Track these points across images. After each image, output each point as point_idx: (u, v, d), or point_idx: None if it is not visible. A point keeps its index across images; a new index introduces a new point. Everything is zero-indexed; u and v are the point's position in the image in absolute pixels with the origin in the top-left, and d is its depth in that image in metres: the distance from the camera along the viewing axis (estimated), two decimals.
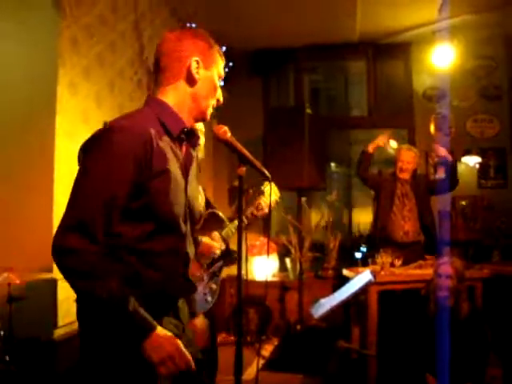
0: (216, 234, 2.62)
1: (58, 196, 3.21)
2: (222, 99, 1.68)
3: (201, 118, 1.67)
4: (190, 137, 1.67)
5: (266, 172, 1.72)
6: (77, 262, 1.40)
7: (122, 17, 3.93)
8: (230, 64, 4.52)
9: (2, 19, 3.32)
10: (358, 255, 4.16)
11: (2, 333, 2.39)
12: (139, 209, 1.47)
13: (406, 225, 4.37)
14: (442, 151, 4.36)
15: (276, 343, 5.00)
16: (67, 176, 3.28)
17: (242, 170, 1.76)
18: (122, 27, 3.92)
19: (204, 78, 1.61)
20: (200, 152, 1.77)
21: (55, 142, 3.19)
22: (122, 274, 1.44)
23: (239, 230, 1.73)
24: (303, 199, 5.36)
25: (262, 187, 2.70)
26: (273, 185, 2.32)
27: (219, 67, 1.67)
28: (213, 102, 1.66)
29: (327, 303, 2.77)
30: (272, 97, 6.30)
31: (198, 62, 1.59)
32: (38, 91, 3.24)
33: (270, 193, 2.26)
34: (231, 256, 2.66)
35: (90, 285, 1.39)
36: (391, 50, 5.98)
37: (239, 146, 1.72)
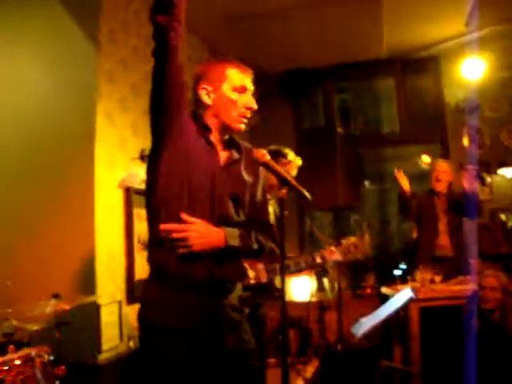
0: (260, 265, 2.69)
1: (99, 223, 3.31)
2: (253, 105, 1.86)
3: (228, 128, 1.89)
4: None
5: (306, 193, 1.75)
6: None
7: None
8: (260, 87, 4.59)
9: (41, 55, 3.50)
10: (398, 272, 4.10)
11: (52, 358, 2.45)
12: None
13: (442, 239, 4.32)
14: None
15: (316, 364, 4.94)
16: (107, 203, 3.39)
17: (283, 192, 1.81)
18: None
19: (217, 98, 1.85)
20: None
21: (95, 171, 3.31)
22: None
23: (282, 254, 1.77)
24: (353, 219, 5.35)
25: (344, 240, 2.94)
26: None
27: (231, 81, 1.85)
28: (239, 112, 1.85)
29: (368, 322, 2.74)
30: (303, 118, 6.35)
31: (205, 89, 1.86)
32: (77, 123, 3.39)
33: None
34: (271, 292, 2.68)
35: None
36: (420, 65, 5.96)
37: (278, 168, 1.78)
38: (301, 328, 5.11)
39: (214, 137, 1.89)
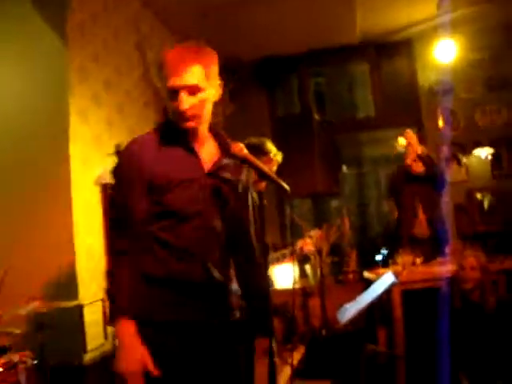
0: None
1: (78, 221, 3.26)
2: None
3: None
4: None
5: (285, 185, 1.72)
6: None
7: (124, 40, 3.99)
8: (235, 75, 4.53)
9: (10, 54, 3.40)
10: (379, 257, 4.15)
11: (35, 362, 2.41)
12: None
13: (419, 216, 4.39)
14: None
15: (303, 350, 4.97)
16: (84, 200, 3.33)
17: (262, 185, 1.78)
18: (126, 50, 3.98)
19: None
20: None
21: (71, 170, 3.25)
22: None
23: (263, 248, 1.75)
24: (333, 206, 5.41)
25: (312, 232, 2.93)
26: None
27: (166, 84, 1.72)
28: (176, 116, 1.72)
29: (353, 307, 2.77)
30: (278, 105, 6.33)
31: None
32: (49, 121, 3.32)
33: None
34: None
35: None
36: (393, 49, 5.99)
37: (256, 161, 1.74)
38: (285, 315, 5.13)
39: (192, 138, 1.79)
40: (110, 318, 1.67)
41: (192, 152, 1.78)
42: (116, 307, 1.66)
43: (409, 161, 4.39)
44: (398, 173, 4.56)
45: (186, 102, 1.69)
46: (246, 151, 1.74)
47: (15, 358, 2.32)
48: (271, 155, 2.87)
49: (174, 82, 1.69)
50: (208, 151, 1.82)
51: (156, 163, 1.71)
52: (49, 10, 3.35)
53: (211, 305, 1.76)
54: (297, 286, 5.55)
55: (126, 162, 1.76)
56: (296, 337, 5.23)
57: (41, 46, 3.33)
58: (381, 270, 4.02)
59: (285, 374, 3.73)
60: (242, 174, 1.89)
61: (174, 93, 1.70)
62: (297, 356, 4.81)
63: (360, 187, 7.18)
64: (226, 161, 1.81)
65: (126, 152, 1.78)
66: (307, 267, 5.70)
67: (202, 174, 1.76)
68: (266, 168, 1.77)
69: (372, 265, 4.69)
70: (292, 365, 4.19)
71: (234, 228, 1.85)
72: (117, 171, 1.83)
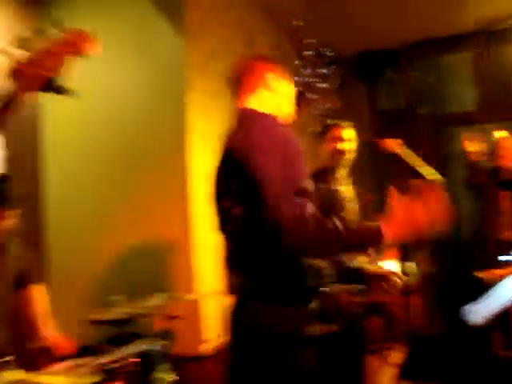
0: None
1: (194, 214, 3.32)
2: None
3: None
4: None
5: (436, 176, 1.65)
6: None
7: (239, 37, 4.04)
8: (340, 71, 4.45)
9: (130, 51, 3.54)
10: (503, 258, 3.95)
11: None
12: None
13: (506, 219, 4.15)
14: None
15: (403, 350, 4.85)
16: (203, 189, 3.39)
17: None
18: (240, 47, 4.01)
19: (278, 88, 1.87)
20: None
21: (191, 159, 3.33)
22: None
23: None
24: None
25: None
26: None
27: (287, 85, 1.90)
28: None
29: (484, 309, 2.63)
30: (379, 99, 6.16)
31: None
32: (168, 114, 3.40)
33: None
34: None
35: None
36: (506, 36, 5.62)
37: (409, 159, 1.69)
38: (385, 314, 5.02)
39: None
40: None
41: None
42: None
43: (497, 159, 4.17)
44: (484, 171, 4.30)
45: None
46: (400, 149, 1.70)
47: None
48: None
49: None
50: None
51: None
52: (167, 8, 3.43)
53: None
54: (399, 283, 5.41)
55: None
56: (397, 336, 5.10)
57: (161, 43, 3.42)
58: (497, 271, 3.82)
59: (387, 373, 3.65)
60: None
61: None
62: (399, 356, 4.69)
63: (449, 182, 6.87)
64: None
65: None
66: (409, 264, 5.54)
67: None
68: (416, 164, 1.71)
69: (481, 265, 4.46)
70: (394, 365, 4.12)
71: None
72: None
